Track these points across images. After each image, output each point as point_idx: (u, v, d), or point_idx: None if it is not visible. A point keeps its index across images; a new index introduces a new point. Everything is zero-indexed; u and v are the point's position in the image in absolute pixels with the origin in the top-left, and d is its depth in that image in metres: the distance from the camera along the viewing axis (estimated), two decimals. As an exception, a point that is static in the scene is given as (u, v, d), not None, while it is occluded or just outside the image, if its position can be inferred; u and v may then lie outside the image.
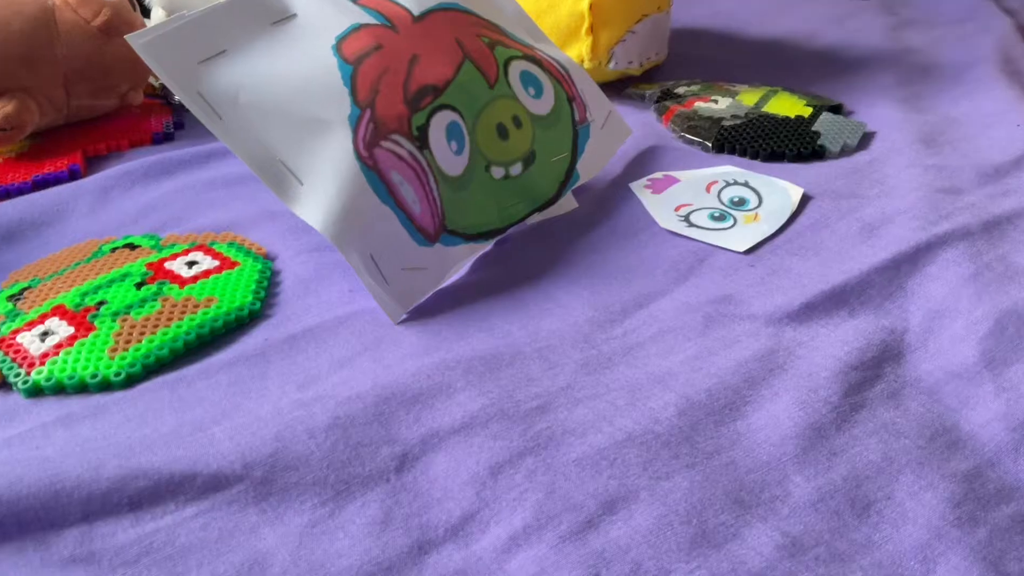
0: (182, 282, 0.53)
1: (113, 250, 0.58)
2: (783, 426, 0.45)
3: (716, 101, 0.78)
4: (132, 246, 0.58)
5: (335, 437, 0.43)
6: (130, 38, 0.51)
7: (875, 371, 0.49)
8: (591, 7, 0.78)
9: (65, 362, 0.48)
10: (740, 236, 0.60)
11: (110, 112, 0.78)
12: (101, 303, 0.52)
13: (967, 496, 0.42)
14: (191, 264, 0.55)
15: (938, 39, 0.96)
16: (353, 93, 0.53)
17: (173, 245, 0.58)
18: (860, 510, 0.41)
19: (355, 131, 0.53)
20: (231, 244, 0.58)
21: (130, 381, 0.47)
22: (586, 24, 0.78)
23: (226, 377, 0.48)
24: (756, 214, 0.62)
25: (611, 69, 0.80)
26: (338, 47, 0.55)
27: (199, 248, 0.57)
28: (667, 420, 0.45)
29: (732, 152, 0.71)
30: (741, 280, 0.56)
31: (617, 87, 0.83)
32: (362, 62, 0.54)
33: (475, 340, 0.50)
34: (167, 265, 0.55)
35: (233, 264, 0.56)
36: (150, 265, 0.55)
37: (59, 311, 0.51)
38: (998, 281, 0.55)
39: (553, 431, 0.44)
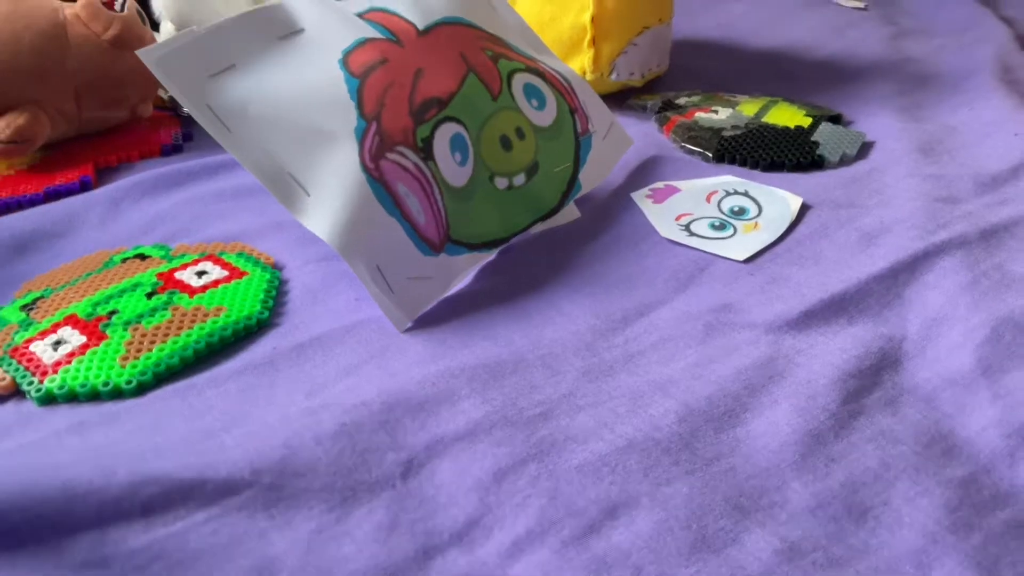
0: (192, 292, 0.54)
1: (124, 260, 0.59)
2: (782, 433, 0.46)
3: (716, 111, 0.79)
4: (142, 256, 0.59)
5: (342, 444, 0.44)
6: (141, 53, 0.52)
7: (873, 379, 0.50)
8: (593, 20, 0.79)
9: (77, 370, 0.49)
10: (740, 245, 0.61)
11: (120, 124, 0.79)
12: (112, 312, 0.53)
13: (963, 502, 0.42)
14: (200, 274, 0.56)
15: (937, 48, 0.97)
16: (359, 106, 0.54)
17: (183, 255, 0.59)
18: (857, 516, 0.41)
19: (361, 143, 0.54)
20: (240, 254, 0.59)
21: (141, 389, 0.48)
22: (588, 36, 0.79)
23: (235, 385, 0.49)
24: (756, 223, 0.63)
25: (613, 81, 0.81)
26: (345, 61, 0.56)
27: (208, 258, 0.58)
28: (668, 427, 0.46)
29: (732, 162, 0.72)
30: (741, 288, 0.57)
31: (619, 98, 0.84)
32: (368, 76, 0.55)
33: (479, 348, 0.51)
34: (177, 275, 0.56)
35: (242, 274, 0.57)
36: (160, 275, 0.56)
37: (71, 320, 0.52)
38: (995, 289, 0.56)
39: (555, 438, 0.45)
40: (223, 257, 0.59)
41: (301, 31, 0.57)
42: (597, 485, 0.42)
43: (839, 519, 0.41)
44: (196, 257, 0.58)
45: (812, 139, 0.74)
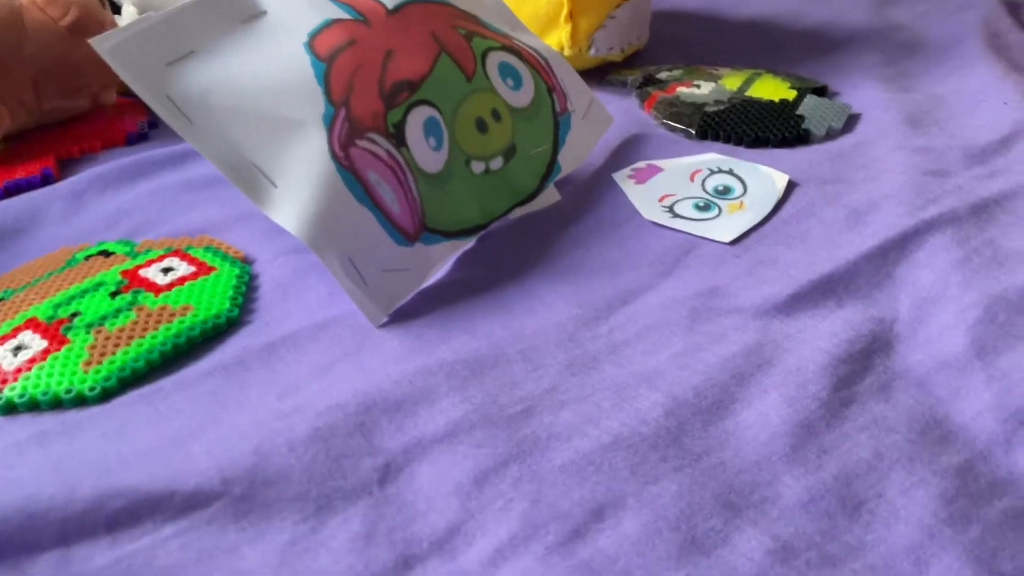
0: (157, 290, 0.52)
1: (87, 258, 0.56)
2: (772, 424, 0.44)
3: (699, 86, 0.76)
4: (106, 253, 0.57)
5: (315, 449, 0.42)
6: (94, 42, 0.49)
7: (864, 363, 0.48)
8: (571, -7, 0.76)
9: (39, 377, 0.47)
10: (725, 226, 0.59)
11: (83, 113, 0.77)
12: (75, 314, 0.50)
13: (959, 492, 0.41)
14: (166, 271, 0.54)
15: (923, 15, 0.95)
16: (327, 91, 0.52)
17: (148, 251, 0.57)
18: (851, 510, 0.40)
19: (330, 130, 0.51)
20: (208, 248, 0.57)
21: (105, 395, 0.46)
22: (565, 11, 0.77)
23: (203, 388, 0.47)
24: (741, 203, 0.61)
25: (592, 56, 0.79)
26: (310, 44, 0.53)
27: (175, 254, 0.56)
28: (654, 421, 0.44)
29: (716, 138, 0.70)
30: (727, 272, 0.55)
31: (598, 74, 0.81)
32: (335, 59, 0.53)
33: (457, 343, 0.49)
34: (142, 272, 0.54)
35: (210, 269, 0.55)
36: (124, 273, 0.54)
37: (32, 324, 0.50)
38: (987, 266, 0.54)
39: (538, 436, 0.43)
40: (190, 252, 0.56)
41: (264, 14, 0.55)
42: (582, 485, 0.41)
43: (833, 514, 0.40)
44: (162, 253, 0.56)
45: (797, 113, 0.72)
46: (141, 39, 0.51)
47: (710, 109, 0.72)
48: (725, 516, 0.40)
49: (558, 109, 0.63)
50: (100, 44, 0.49)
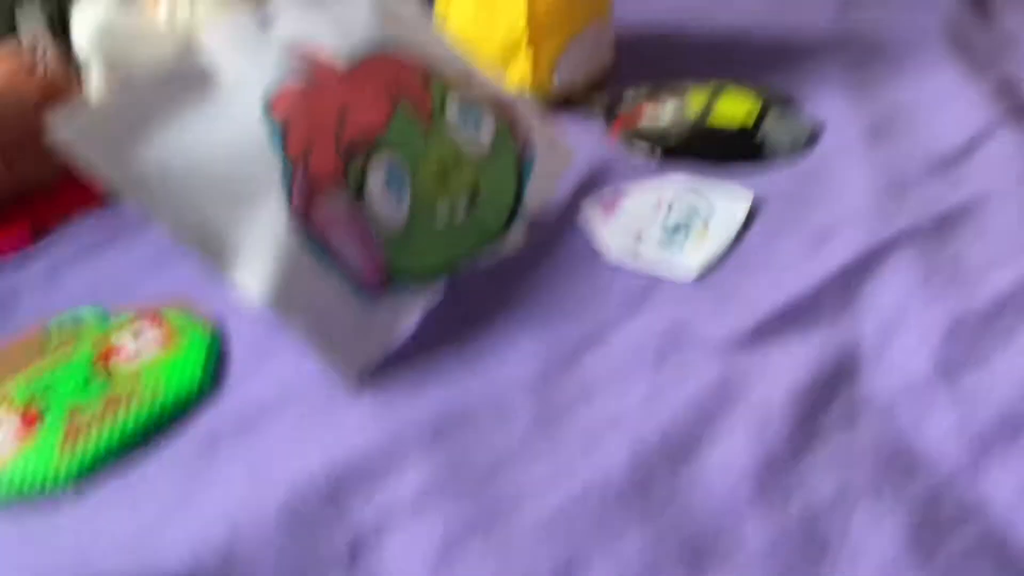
0: (129, 365, 0.53)
1: (61, 330, 0.57)
2: (738, 465, 0.45)
3: (663, 108, 0.76)
4: (79, 323, 0.57)
5: (287, 527, 0.43)
6: (52, 129, 0.50)
7: (829, 394, 0.49)
8: (528, 22, 0.77)
9: (14, 470, 0.47)
10: (690, 258, 0.59)
11: (59, 174, 0.77)
12: (49, 399, 0.51)
13: (924, 522, 0.42)
14: (139, 340, 0.55)
15: (888, 16, 0.94)
16: (284, 153, 0.53)
17: (121, 319, 0.57)
18: (815, 553, 0.41)
19: (288, 193, 0.52)
20: (180, 313, 0.58)
21: (80, 478, 0.47)
22: (525, 40, 0.77)
23: (177, 467, 0.47)
24: (705, 231, 0.61)
25: (557, 85, 0.79)
26: (265, 106, 0.54)
27: (147, 320, 0.57)
28: (621, 471, 0.45)
29: (680, 163, 0.70)
30: (692, 306, 0.55)
31: (562, 103, 0.81)
32: (291, 119, 0.54)
33: (427, 400, 0.50)
34: (114, 344, 0.55)
35: (181, 338, 0.55)
36: (97, 346, 0.55)
37: (7, 406, 0.51)
38: (950, 283, 0.54)
39: (505, 495, 0.44)
40: (162, 318, 0.57)
41: (217, 80, 0.55)
42: (549, 544, 0.41)
43: (797, 557, 0.40)
44: (135, 318, 0.57)
45: (758, 137, 0.71)
46: (99, 121, 0.51)
47: (672, 136, 0.72)
48: (690, 566, 0.40)
49: (520, 148, 0.63)
50: (58, 131, 0.50)
